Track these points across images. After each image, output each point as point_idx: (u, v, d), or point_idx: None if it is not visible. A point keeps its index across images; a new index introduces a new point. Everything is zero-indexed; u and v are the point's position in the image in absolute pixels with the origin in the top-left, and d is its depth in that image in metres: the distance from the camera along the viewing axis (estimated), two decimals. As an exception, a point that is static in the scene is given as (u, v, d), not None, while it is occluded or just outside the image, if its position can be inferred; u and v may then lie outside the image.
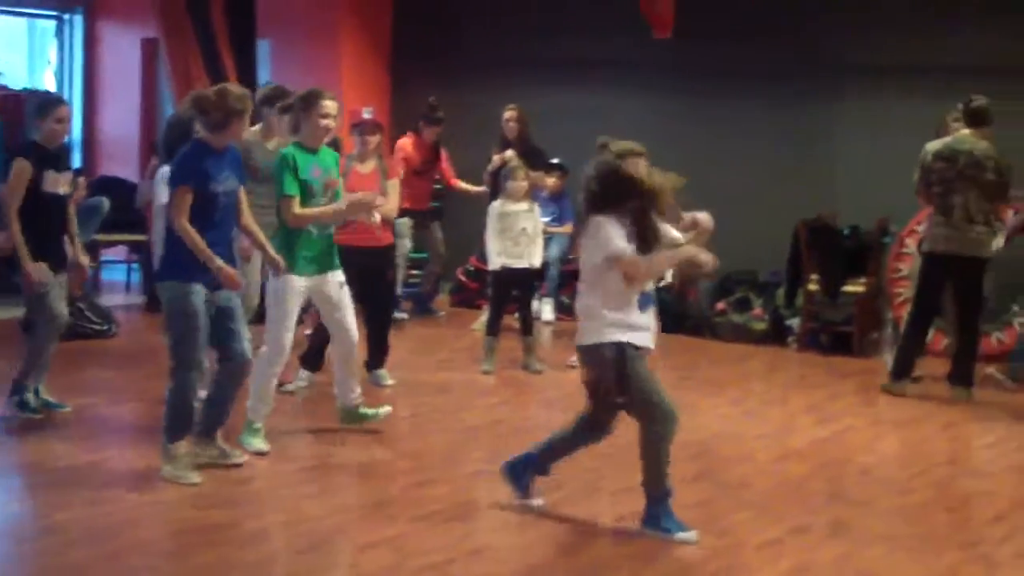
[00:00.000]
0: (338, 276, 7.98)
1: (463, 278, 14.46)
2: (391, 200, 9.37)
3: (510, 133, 12.88)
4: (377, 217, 8.55)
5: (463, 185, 13.16)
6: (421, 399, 9.53)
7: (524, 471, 6.72)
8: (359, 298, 8.59)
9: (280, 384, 9.04)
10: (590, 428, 6.67)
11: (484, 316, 11.37)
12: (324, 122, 7.84)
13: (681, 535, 6.22)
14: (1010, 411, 10.18)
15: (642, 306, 6.35)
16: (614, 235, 6.24)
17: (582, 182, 6.54)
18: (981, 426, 9.62)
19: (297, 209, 7.71)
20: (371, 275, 9.16)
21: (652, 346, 6.42)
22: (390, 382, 9.80)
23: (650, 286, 6.46)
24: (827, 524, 6.62)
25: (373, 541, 6.13)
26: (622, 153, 6.64)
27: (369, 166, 9.51)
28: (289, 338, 7.78)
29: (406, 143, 12.76)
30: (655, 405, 6.35)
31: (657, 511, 6.30)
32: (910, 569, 6.00)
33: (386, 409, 8.35)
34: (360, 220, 8.54)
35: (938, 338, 11.98)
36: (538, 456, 6.74)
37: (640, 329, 6.34)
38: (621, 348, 6.26)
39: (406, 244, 12.68)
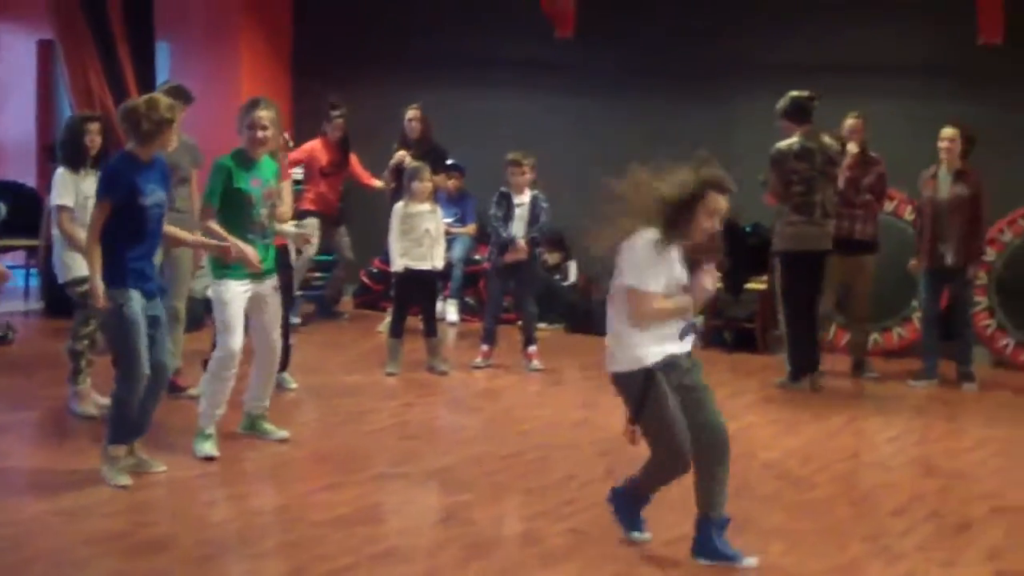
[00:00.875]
0: (274, 281, 7.93)
1: (367, 280, 14.39)
2: (285, 202, 9.28)
3: (412, 133, 12.84)
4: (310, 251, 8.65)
5: (376, 182, 13.05)
6: (326, 402, 9.46)
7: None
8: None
9: (182, 389, 8.97)
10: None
11: (388, 318, 11.33)
12: (258, 133, 7.75)
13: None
14: (911, 405, 10.32)
15: (682, 335, 5.97)
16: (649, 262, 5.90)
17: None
18: (882, 420, 9.73)
19: (211, 222, 7.63)
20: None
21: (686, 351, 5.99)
22: (294, 386, 9.73)
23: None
24: (732, 519, 6.63)
25: (276, 546, 6.06)
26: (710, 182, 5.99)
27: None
28: (238, 343, 7.66)
29: (314, 145, 12.65)
30: (664, 444, 5.88)
31: (621, 509, 6.23)
32: (813, 563, 6.03)
33: (284, 433, 8.22)
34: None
35: (840, 334, 12.12)
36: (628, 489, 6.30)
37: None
38: (650, 374, 5.86)
39: (311, 248, 12.53)
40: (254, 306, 7.84)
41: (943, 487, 7.67)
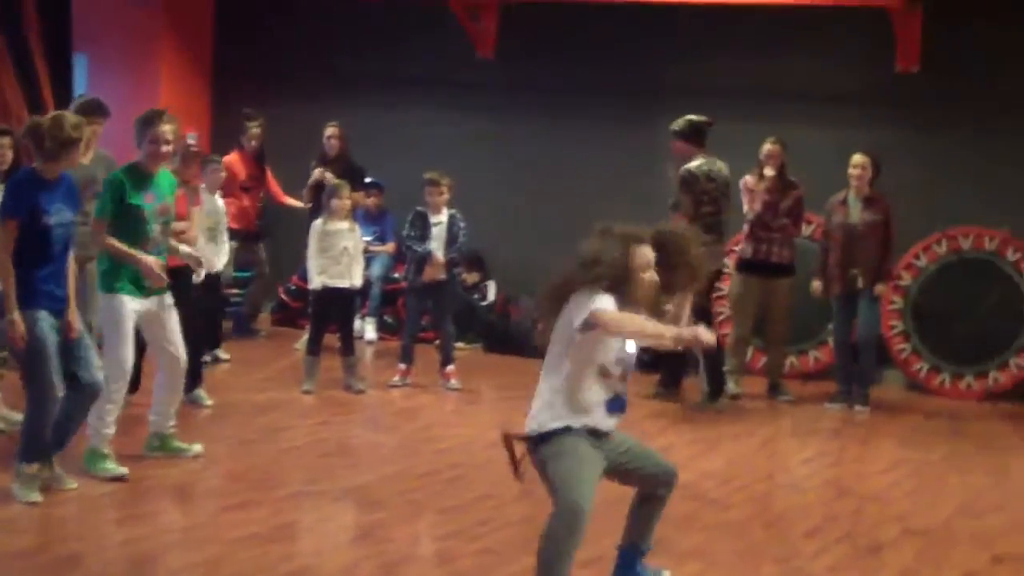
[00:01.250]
0: (168, 299, 7.82)
1: (285, 297, 14.29)
2: (192, 225, 9.21)
3: (331, 150, 12.80)
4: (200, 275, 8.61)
5: (292, 201, 13.03)
6: (241, 419, 9.39)
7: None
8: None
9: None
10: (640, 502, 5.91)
11: (306, 335, 11.26)
12: (161, 148, 7.65)
13: None
14: (826, 427, 10.41)
15: (610, 409, 5.58)
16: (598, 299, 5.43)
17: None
18: (798, 442, 9.82)
19: (104, 237, 7.53)
20: (178, 295, 8.96)
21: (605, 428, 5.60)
22: (209, 403, 9.65)
23: (622, 388, 5.62)
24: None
25: (187, 564, 5.99)
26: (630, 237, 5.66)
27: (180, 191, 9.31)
28: (129, 359, 7.58)
29: (232, 159, 12.55)
30: (560, 497, 5.44)
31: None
32: (728, 584, 6.06)
33: (198, 448, 8.13)
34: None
35: (757, 356, 12.19)
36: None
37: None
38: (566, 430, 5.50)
39: (229, 270, 12.42)
40: (150, 323, 7.76)
41: (856, 509, 7.73)
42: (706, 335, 5.42)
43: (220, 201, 10.95)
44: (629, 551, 5.88)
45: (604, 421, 5.54)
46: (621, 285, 5.49)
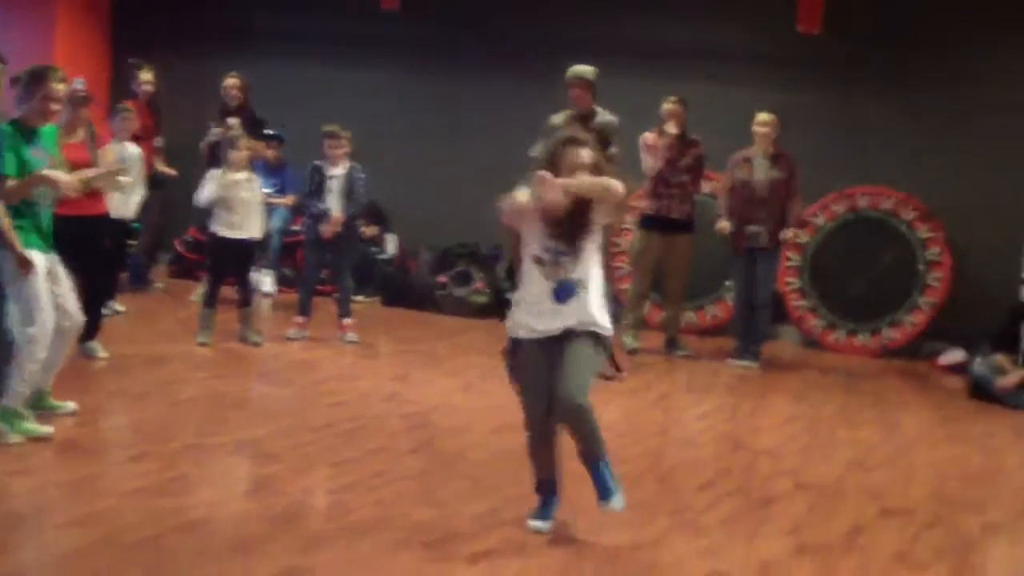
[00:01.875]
0: (54, 255, 7.63)
1: (181, 249, 14.17)
2: (107, 160, 9.08)
3: (232, 101, 12.67)
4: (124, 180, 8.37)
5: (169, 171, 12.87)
6: (135, 372, 9.28)
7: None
8: (74, 269, 8.25)
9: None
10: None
11: (202, 287, 11.16)
12: (52, 106, 7.48)
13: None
14: (722, 383, 10.49)
15: (557, 297, 5.87)
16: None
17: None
18: (693, 397, 9.89)
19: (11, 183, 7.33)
20: (86, 245, 8.84)
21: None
22: (103, 355, 9.52)
23: (574, 274, 5.86)
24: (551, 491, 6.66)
25: (79, 517, 5.91)
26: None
27: (78, 136, 9.16)
28: (46, 317, 7.35)
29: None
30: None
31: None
32: (620, 537, 6.07)
33: (72, 406, 7.92)
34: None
35: (655, 312, 12.27)
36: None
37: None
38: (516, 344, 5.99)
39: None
40: (50, 279, 7.57)
41: (749, 463, 7.80)
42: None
43: (132, 147, 10.84)
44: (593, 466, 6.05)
45: (553, 314, 5.84)
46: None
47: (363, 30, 14.35)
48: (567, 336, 5.87)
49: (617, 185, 5.77)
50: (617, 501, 5.93)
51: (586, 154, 5.84)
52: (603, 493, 5.95)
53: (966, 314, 11.98)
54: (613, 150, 10.69)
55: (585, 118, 10.85)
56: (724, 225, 11.37)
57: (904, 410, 9.97)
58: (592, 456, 6.00)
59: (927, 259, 12.31)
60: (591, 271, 5.89)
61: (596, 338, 5.91)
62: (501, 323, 12.34)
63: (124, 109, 11.14)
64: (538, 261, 5.89)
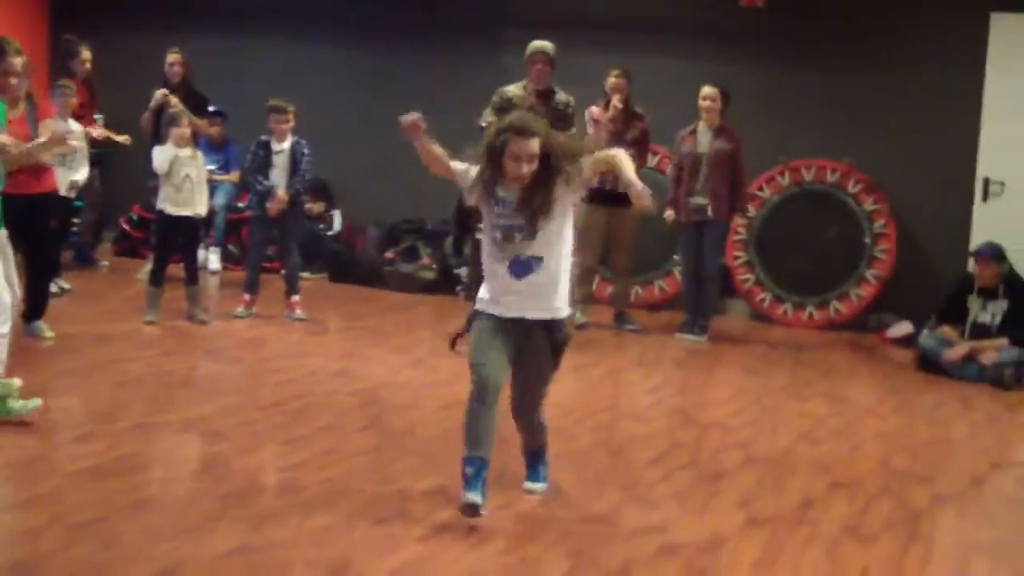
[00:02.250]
0: (4, 233, 7.49)
1: (126, 227, 14.07)
2: (47, 132, 8.93)
3: (173, 77, 12.56)
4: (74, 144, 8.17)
5: (120, 138, 12.72)
6: (81, 351, 9.21)
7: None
8: (20, 247, 8.16)
9: None
10: None
11: (148, 265, 11.08)
12: (11, 80, 7.36)
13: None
14: (671, 357, 10.52)
15: (514, 272, 5.86)
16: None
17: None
18: (642, 372, 9.92)
19: None
20: (32, 223, 8.74)
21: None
22: (49, 335, 9.42)
23: (531, 250, 5.83)
24: (491, 470, 6.62)
25: (25, 499, 5.87)
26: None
27: (18, 111, 9.01)
28: (7, 293, 7.23)
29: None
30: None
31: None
32: (571, 511, 6.08)
33: (17, 382, 7.76)
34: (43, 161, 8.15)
35: (603, 286, 12.28)
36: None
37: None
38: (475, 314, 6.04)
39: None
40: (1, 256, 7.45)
41: (699, 437, 7.82)
42: None
43: (74, 124, 10.75)
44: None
45: (513, 290, 5.86)
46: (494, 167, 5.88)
47: (307, 3, 14.26)
48: (529, 331, 5.92)
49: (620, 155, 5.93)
50: (541, 485, 6.25)
51: (535, 145, 5.77)
52: (533, 477, 6.25)
53: (913, 286, 12.03)
54: (575, 131, 10.70)
55: (544, 95, 10.84)
56: (670, 214, 11.41)
57: (852, 383, 10.02)
58: (538, 452, 6.31)
59: (873, 232, 12.36)
60: (554, 248, 5.86)
61: (554, 326, 5.95)
62: (449, 299, 12.45)
63: (64, 85, 11.03)
64: (493, 240, 5.88)
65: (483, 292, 6.00)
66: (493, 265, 5.92)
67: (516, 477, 6.41)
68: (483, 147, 5.93)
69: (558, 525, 5.87)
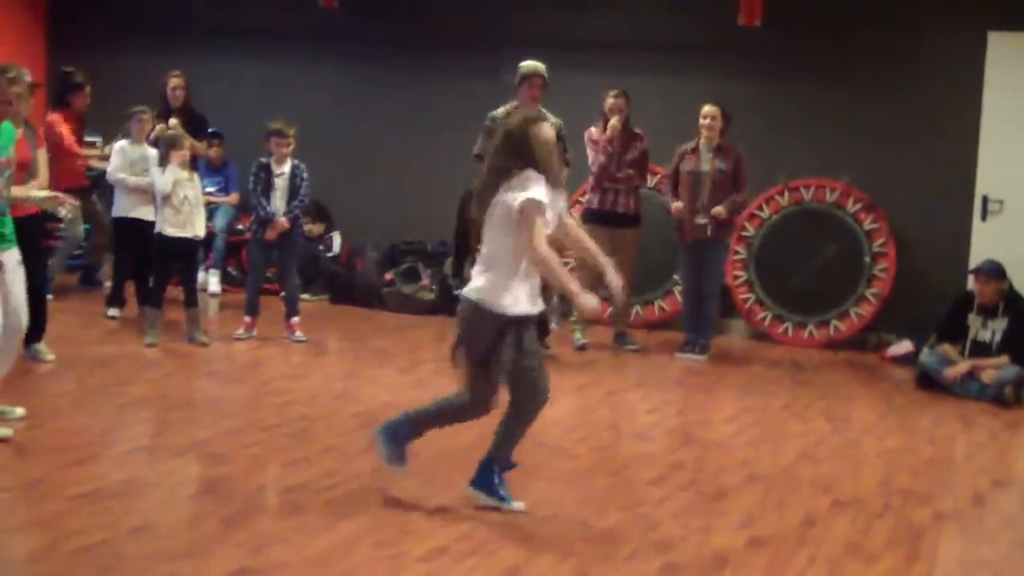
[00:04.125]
0: (15, 254, 7.45)
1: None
2: (41, 172, 8.92)
3: (175, 101, 12.57)
4: (64, 211, 8.12)
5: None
6: (82, 373, 9.21)
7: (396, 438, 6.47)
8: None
9: None
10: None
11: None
12: (12, 103, 7.36)
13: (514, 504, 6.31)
14: (671, 377, 10.52)
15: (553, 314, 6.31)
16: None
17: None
18: (643, 392, 9.91)
19: None
20: (23, 246, 8.70)
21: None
22: (50, 357, 9.42)
23: None
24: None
25: (26, 522, 5.87)
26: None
27: (17, 134, 8.95)
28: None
29: (57, 119, 12.25)
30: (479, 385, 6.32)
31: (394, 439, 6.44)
32: (573, 531, 6.08)
33: (20, 411, 7.66)
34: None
35: (603, 306, 12.27)
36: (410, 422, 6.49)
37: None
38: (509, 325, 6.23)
39: (79, 231, 12.35)
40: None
41: (700, 457, 7.81)
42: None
43: (149, 150, 11.05)
44: (488, 462, 6.40)
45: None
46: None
47: (303, 24, 14.28)
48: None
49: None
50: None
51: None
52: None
53: (913, 305, 12.02)
54: (569, 155, 10.74)
55: None
56: (678, 205, 11.35)
57: (853, 401, 10.01)
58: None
59: (872, 250, 12.36)
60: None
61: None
62: (449, 320, 12.42)
63: (141, 111, 11.23)
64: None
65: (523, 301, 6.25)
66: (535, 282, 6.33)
67: (515, 497, 6.41)
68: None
69: (560, 544, 5.86)
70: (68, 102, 12.36)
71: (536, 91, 10.77)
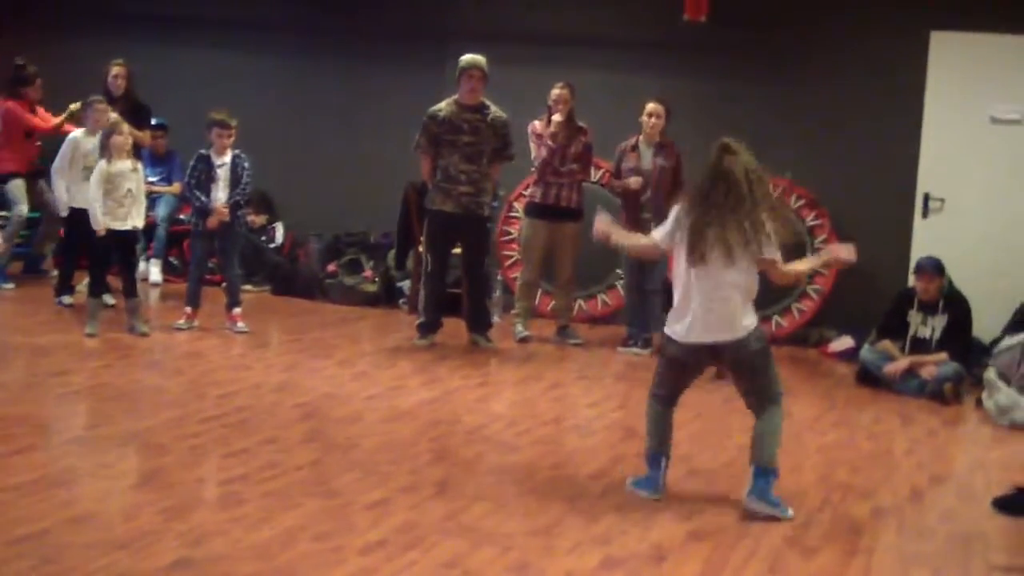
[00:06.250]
0: None
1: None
2: None
3: (116, 90, 12.44)
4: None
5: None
6: (21, 362, 9.15)
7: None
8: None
9: None
10: None
11: (88, 277, 11.01)
12: None
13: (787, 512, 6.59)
14: (613, 371, 10.52)
15: None
16: None
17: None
18: (585, 385, 9.90)
19: None
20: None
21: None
22: (-13, 346, 9.37)
23: None
24: (434, 483, 6.65)
25: (-37, 512, 5.82)
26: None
27: None
28: None
29: (14, 106, 12.30)
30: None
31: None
32: (515, 524, 6.08)
33: None
34: None
35: (545, 300, 12.28)
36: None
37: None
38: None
39: (23, 209, 12.31)
40: None
41: (641, 451, 7.79)
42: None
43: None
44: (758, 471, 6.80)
45: None
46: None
47: (246, 14, 14.21)
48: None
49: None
50: None
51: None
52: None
53: (854, 301, 12.08)
54: (512, 152, 10.77)
55: (477, 110, 10.83)
56: (637, 180, 11.26)
57: (793, 397, 10.01)
58: None
59: (814, 247, 12.40)
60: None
61: None
62: (391, 312, 12.42)
63: (97, 100, 11.17)
64: None
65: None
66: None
67: (456, 489, 6.40)
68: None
69: (501, 538, 5.86)
70: (22, 94, 12.38)
71: (476, 83, 10.77)
